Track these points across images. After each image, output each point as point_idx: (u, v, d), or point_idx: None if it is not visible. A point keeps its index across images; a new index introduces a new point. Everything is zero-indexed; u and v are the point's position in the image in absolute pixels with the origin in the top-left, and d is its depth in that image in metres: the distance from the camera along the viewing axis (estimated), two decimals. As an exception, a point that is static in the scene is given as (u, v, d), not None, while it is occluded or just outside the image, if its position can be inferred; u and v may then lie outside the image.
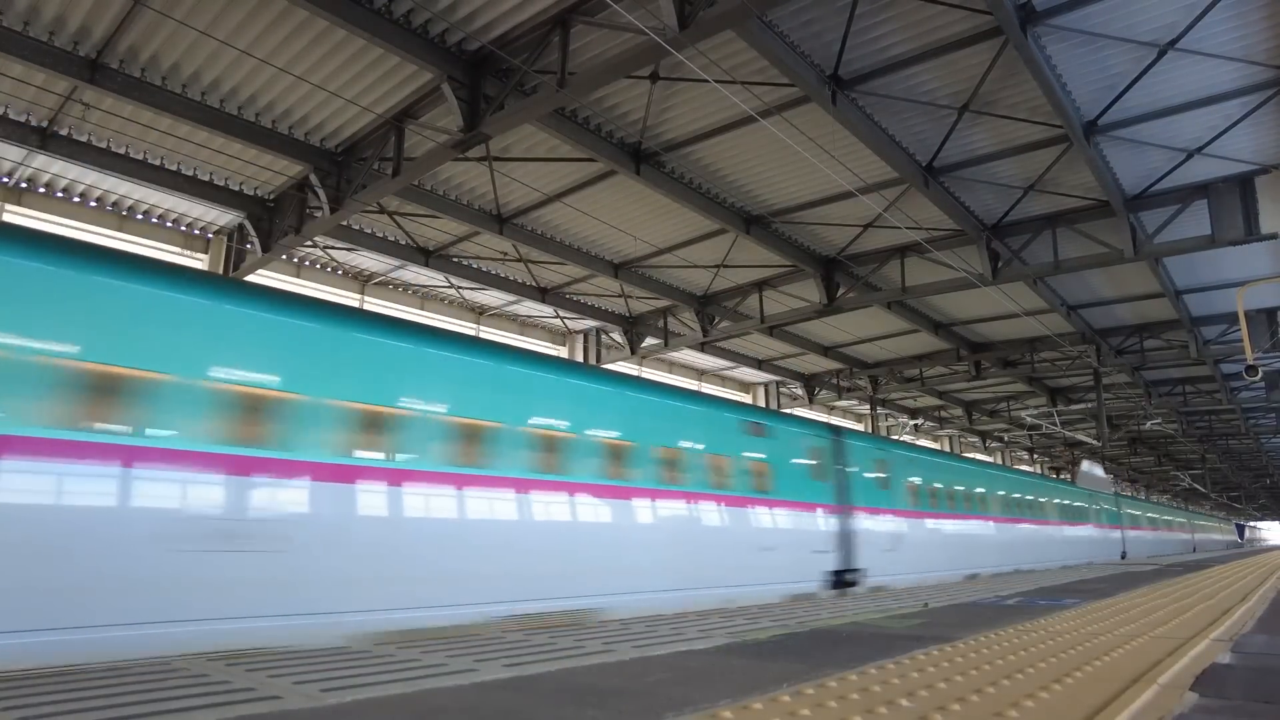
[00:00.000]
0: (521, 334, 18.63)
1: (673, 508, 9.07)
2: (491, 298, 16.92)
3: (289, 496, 5.84)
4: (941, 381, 22.90)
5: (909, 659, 3.58)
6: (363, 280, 15.56)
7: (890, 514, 13.31)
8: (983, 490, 17.64)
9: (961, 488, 16.53)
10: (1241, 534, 70.96)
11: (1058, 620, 5.30)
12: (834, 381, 24.11)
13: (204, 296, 5.84)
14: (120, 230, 12.15)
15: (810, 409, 25.42)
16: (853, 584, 11.59)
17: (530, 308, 17.48)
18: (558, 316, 18.17)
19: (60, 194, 11.51)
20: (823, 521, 11.56)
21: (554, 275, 15.58)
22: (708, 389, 23.83)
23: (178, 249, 12.82)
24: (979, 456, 34.81)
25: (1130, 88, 8.86)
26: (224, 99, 9.56)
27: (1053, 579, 10.81)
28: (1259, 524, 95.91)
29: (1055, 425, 26.80)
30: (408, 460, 6.62)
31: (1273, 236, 10.69)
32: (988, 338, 20.14)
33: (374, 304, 15.71)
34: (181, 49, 8.65)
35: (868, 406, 27.44)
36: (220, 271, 12.82)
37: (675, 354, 21.00)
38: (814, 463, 11.82)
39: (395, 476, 6.51)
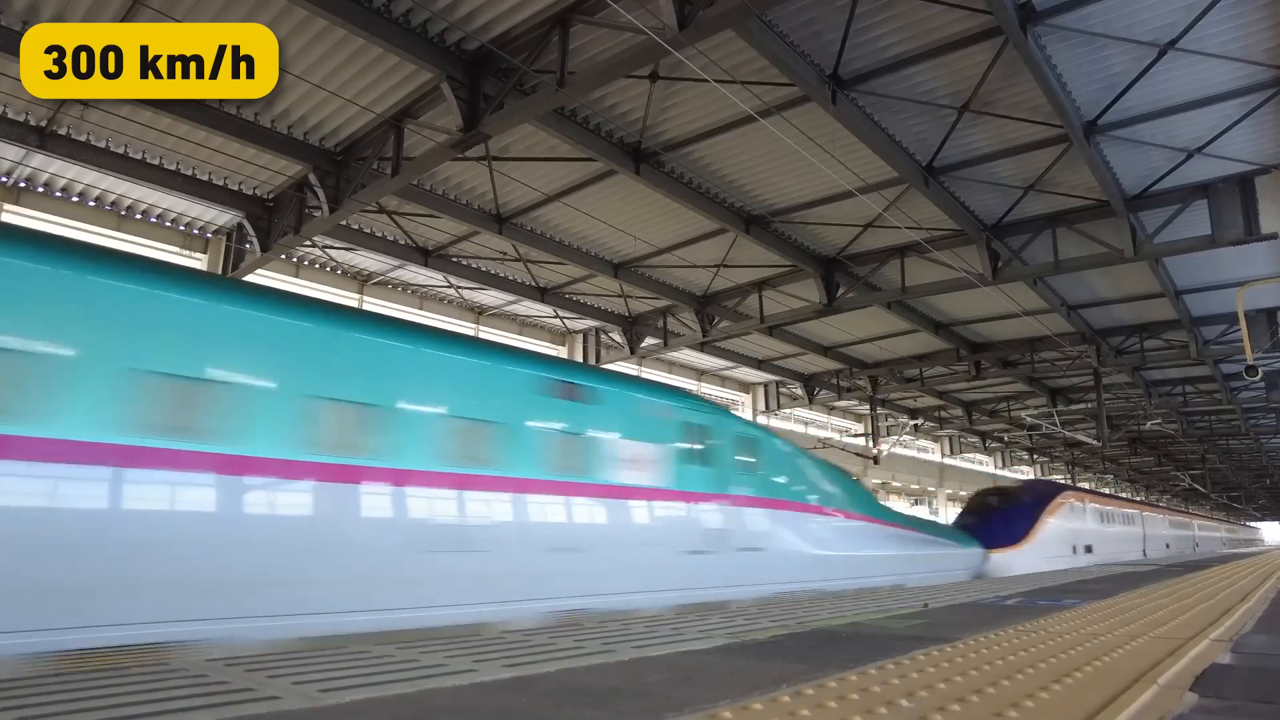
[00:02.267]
0: (521, 334, 18.63)
1: None
2: (491, 297, 16.91)
3: None
4: (941, 381, 22.89)
5: (909, 659, 3.58)
6: (362, 280, 15.55)
7: None
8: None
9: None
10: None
11: (1058, 620, 5.30)
12: (834, 381, 24.10)
13: None
14: (119, 230, 12.14)
15: (810, 409, 25.42)
16: None
17: (529, 307, 17.47)
18: (557, 316, 18.16)
19: (59, 193, 11.50)
20: None
21: (553, 275, 15.57)
22: (707, 389, 23.85)
23: (177, 248, 12.81)
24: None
25: (1130, 88, 8.84)
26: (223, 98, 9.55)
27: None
28: (1253, 524, 71.07)
29: (1055, 425, 26.79)
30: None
31: (1273, 237, 10.68)
32: (988, 338, 20.14)
33: (373, 304, 15.71)
34: (181, 48, 8.64)
35: (867, 406, 27.44)
36: (220, 271, 12.82)
37: (675, 354, 20.99)
38: None
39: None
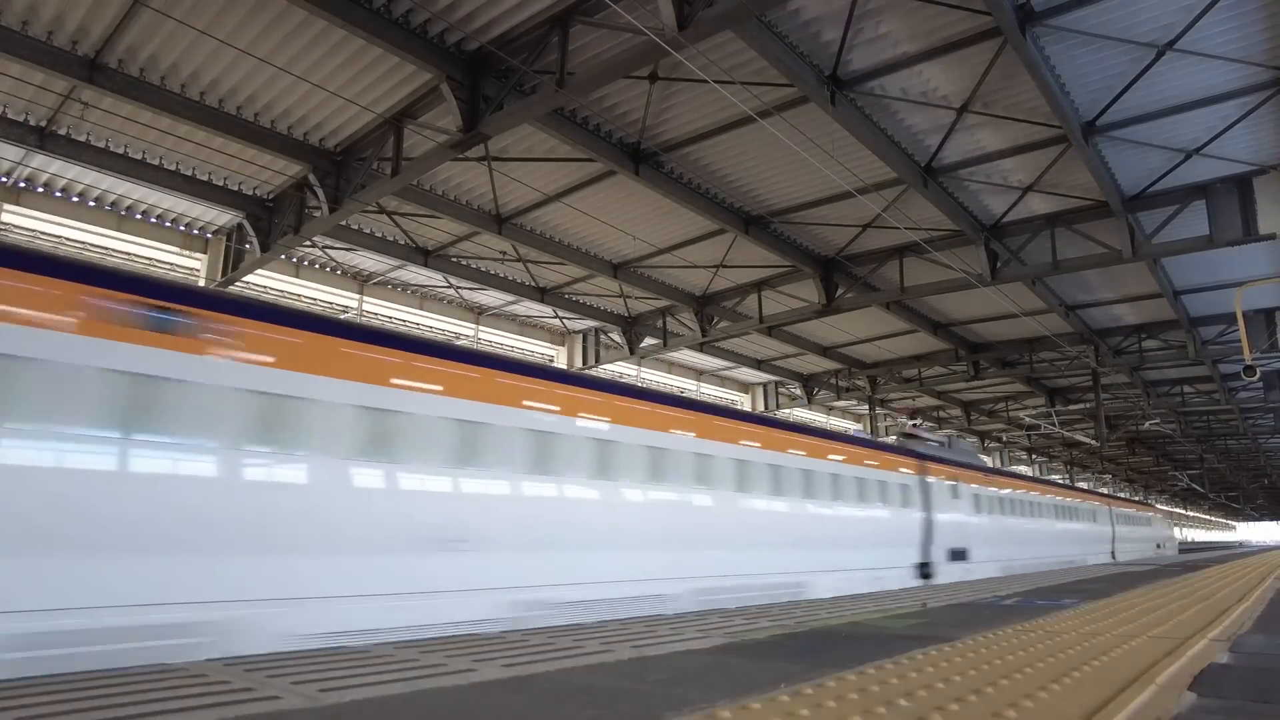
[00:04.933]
0: (520, 334, 18.63)
1: None
2: (490, 298, 16.91)
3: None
4: (940, 382, 22.93)
5: (907, 659, 3.58)
6: (361, 280, 15.55)
7: None
8: None
9: None
10: None
11: (1056, 620, 5.31)
12: (833, 382, 24.12)
13: None
14: (119, 230, 12.14)
15: (809, 409, 25.39)
16: None
17: (529, 308, 17.47)
18: (557, 317, 18.17)
19: (59, 193, 11.50)
20: None
21: (553, 275, 15.58)
22: (706, 389, 23.85)
23: (176, 249, 12.81)
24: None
25: (1129, 88, 8.86)
26: (223, 98, 9.55)
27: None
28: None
29: (1054, 425, 26.81)
30: None
31: (1271, 237, 10.70)
32: (986, 338, 20.15)
33: (373, 304, 15.70)
34: (180, 48, 8.65)
35: (866, 406, 27.45)
36: (219, 271, 12.82)
37: (674, 354, 21.00)
38: None
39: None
